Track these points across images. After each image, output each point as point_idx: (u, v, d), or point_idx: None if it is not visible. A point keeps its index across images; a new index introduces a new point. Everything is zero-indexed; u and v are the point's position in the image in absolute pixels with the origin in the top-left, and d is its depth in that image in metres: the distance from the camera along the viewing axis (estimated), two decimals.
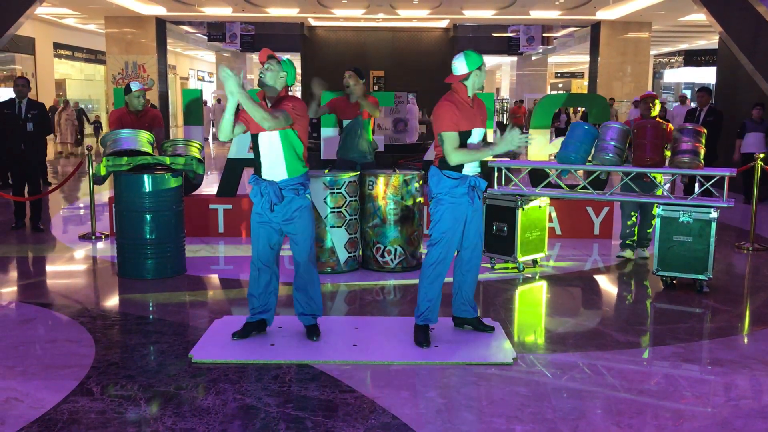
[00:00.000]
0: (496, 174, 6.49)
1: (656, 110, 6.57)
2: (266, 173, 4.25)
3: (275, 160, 4.22)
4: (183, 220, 6.22)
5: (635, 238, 6.88)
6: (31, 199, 7.94)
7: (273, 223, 4.32)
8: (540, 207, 6.39)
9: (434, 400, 3.63)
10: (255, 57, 34.40)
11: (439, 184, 4.31)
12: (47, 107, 13.28)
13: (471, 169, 4.34)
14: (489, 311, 5.23)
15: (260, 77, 4.21)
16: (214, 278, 6.18)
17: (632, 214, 6.77)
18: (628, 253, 6.86)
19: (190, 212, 7.33)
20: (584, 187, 6.30)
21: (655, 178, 6.08)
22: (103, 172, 6.13)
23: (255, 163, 4.33)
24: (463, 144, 4.25)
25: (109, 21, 22.28)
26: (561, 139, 6.58)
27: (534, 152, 7.82)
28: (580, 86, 40.16)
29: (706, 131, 5.93)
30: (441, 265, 4.38)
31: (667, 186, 6.87)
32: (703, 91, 10.02)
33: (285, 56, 4.33)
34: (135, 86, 6.88)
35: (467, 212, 4.38)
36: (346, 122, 6.98)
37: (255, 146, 4.29)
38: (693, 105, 11.21)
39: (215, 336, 4.50)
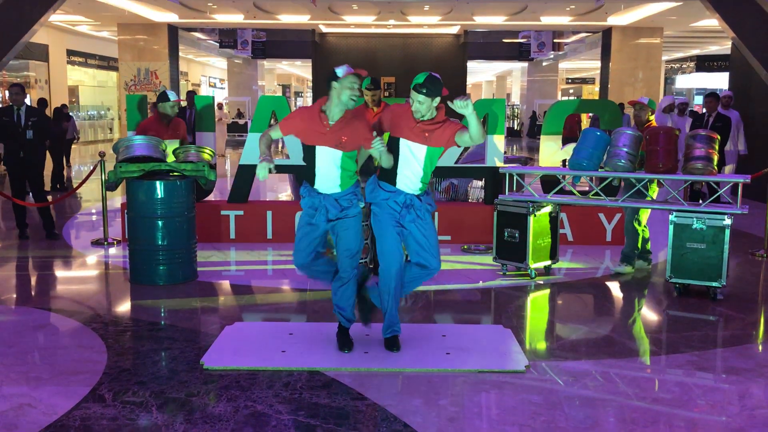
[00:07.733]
0: (507, 180, 6.47)
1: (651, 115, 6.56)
2: (320, 186, 4.25)
3: (331, 176, 4.21)
4: (194, 226, 6.23)
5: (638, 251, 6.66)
6: (38, 206, 7.93)
7: (321, 226, 4.28)
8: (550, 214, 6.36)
9: (446, 407, 3.61)
10: (266, 63, 34.48)
11: (372, 194, 4.29)
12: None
13: (408, 186, 4.22)
14: (501, 318, 5.21)
15: (355, 98, 4.22)
16: (226, 284, 6.19)
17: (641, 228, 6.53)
18: (627, 269, 6.58)
19: (201, 218, 7.35)
20: (596, 194, 6.27)
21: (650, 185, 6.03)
22: (114, 178, 6.15)
23: (308, 173, 4.30)
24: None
25: (121, 28, 22.44)
26: (572, 145, 6.54)
27: (545, 158, 7.79)
28: (591, 92, 40.03)
29: (719, 137, 5.89)
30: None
31: (680, 193, 6.77)
32: (711, 96, 9.84)
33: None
34: (172, 96, 7.14)
35: (401, 224, 4.26)
36: None
37: (311, 157, 4.25)
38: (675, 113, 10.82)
39: (227, 342, 4.51)
